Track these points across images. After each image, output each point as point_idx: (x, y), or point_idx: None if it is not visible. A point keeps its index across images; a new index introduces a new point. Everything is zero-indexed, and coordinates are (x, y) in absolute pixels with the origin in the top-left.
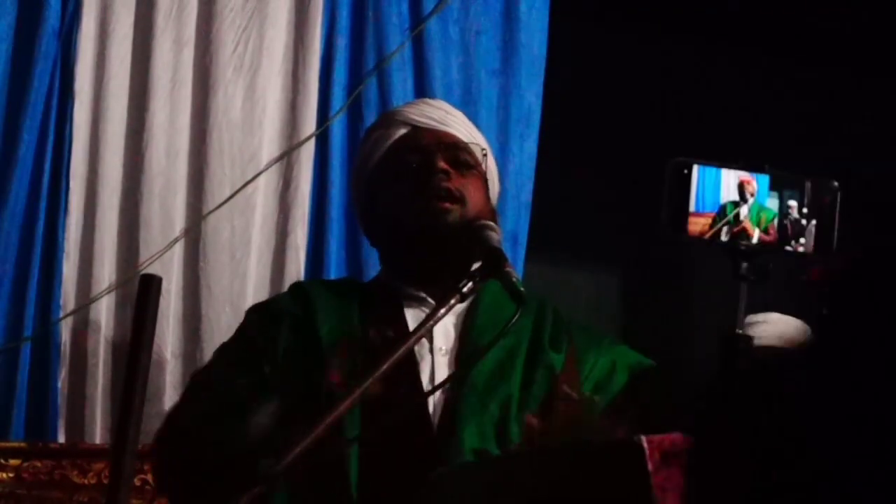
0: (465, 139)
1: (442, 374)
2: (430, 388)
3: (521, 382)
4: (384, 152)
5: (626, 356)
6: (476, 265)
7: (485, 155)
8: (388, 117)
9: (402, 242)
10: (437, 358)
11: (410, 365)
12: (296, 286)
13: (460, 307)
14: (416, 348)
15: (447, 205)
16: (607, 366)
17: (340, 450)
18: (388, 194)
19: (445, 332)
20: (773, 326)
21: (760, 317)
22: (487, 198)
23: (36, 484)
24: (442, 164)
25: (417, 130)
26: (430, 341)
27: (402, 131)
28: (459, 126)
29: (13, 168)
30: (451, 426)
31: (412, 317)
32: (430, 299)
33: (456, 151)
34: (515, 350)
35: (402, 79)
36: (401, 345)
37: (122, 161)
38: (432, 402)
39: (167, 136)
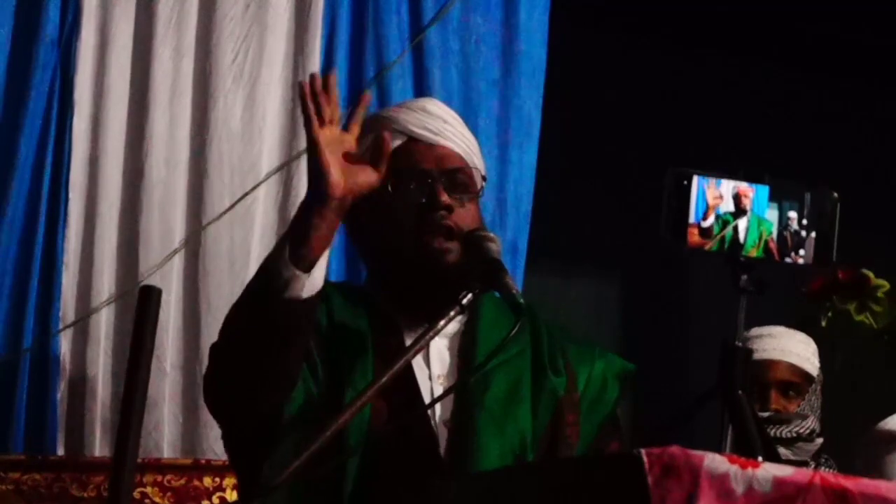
0: (463, 155)
1: (443, 401)
2: (432, 414)
3: (532, 409)
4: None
5: (613, 365)
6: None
7: (484, 180)
8: (382, 123)
9: (397, 272)
10: (434, 385)
11: (413, 390)
12: None
13: (451, 329)
14: (418, 375)
15: (447, 245)
16: (599, 379)
17: (340, 468)
18: (381, 216)
19: (440, 356)
20: (777, 340)
21: (765, 330)
22: (481, 220)
23: (35, 496)
24: (444, 199)
25: (414, 143)
26: (428, 366)
27: (398, 142)
28: (457, 139)
29: (12, 178)
30: (467, 451)
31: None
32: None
33: (455, 175)
34: (521, 374)
35: (401, 88)
36: (400, 357)
37: (122, 171)
38: (435, 427)
39: (167, 146)
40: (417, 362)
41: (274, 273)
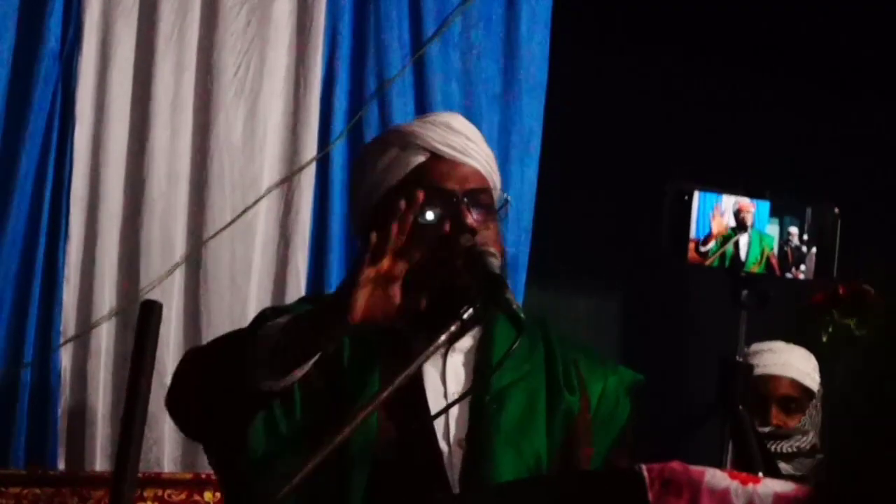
0: (484, 174)
1: (458, 418)
2: (444, 434)
3: (547, 428)
4: (400, 182)
5: (624, 379)
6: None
7: (507, 201)
8: (405, 138)
9: (411, 288)
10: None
11: (421, 408)
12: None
13: (466, 345)
14: (432, 397)
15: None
16: (612, 396)
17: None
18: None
19: (456, 374)
20: (778, 355)
21: (765, 345)
22: (502, 240)
23: None
24: (470, 222)
25: (437, 161)
26: (444, 384)
27: (421, 159)
28: (480, 157)
29: (13, 192)
30: (483, 472)
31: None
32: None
33: (479, 195)
34: (536, 393)
35: (402, 103)
36: (406, 367)
37: (123, 185)
38: (446, 447)
39: (168, 160)
40: (433, 381)
41: (251, 375)
